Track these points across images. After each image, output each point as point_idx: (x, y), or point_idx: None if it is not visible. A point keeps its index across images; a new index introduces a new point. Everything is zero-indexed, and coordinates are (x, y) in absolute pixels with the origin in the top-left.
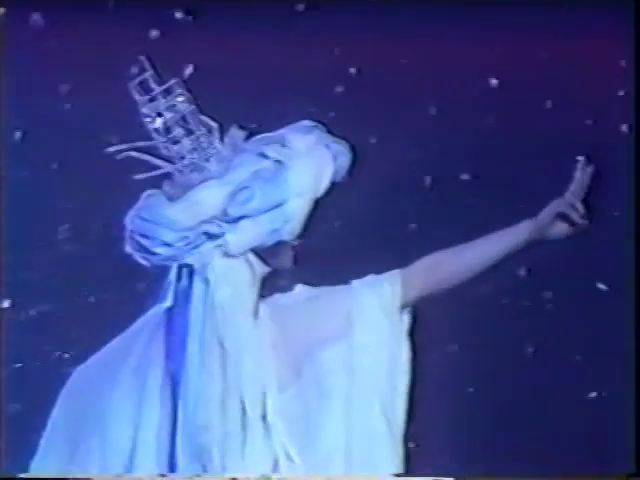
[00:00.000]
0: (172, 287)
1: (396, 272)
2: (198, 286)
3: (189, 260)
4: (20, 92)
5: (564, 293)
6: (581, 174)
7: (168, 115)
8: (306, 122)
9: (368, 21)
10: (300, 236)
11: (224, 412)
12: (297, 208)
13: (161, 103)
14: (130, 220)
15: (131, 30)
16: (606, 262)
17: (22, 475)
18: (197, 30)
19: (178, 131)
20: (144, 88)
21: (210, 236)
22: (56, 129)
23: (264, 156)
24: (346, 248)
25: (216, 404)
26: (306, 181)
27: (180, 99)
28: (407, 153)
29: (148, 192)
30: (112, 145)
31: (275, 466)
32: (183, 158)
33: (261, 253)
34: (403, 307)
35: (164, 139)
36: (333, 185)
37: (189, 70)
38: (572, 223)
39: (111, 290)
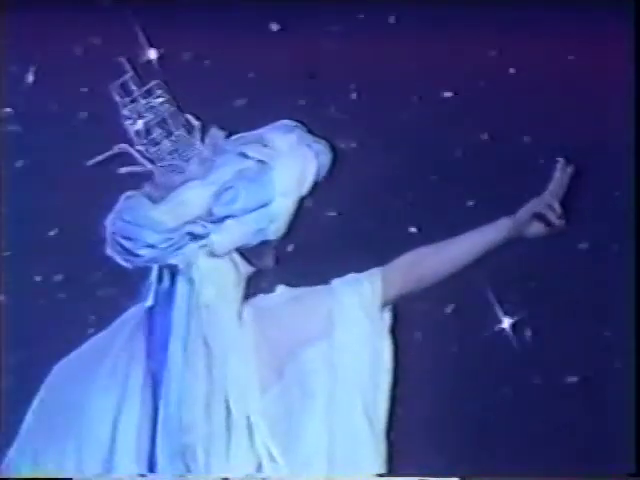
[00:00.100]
0: (153, 288)
1: (376, 270)
2: (182, 286)
3: (173, 261)
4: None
5: (556, 287)
6: (560, 174)
7: (148, 116)
8: (285, 121)
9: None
10: (282, 236)
11: (209, 412)
12: (282, 208)
13: (141, 105)
14: (111, 222)
15: (113, 31)
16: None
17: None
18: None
19: (158, 132)
20: (124, 90)
21: (194, 237)
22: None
23: (245, 156)
24: (327, 247)
25: (201, 404)
26: (291, 180)
27: (160, 100)
28: (387, 154)
29: (127, 194)
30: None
31: (259, 467)
32: (163, 159)
33: (244, 253)
34: (384, 305)
35: (145, 140)
36: (313, 185)
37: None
38: (548, 223)
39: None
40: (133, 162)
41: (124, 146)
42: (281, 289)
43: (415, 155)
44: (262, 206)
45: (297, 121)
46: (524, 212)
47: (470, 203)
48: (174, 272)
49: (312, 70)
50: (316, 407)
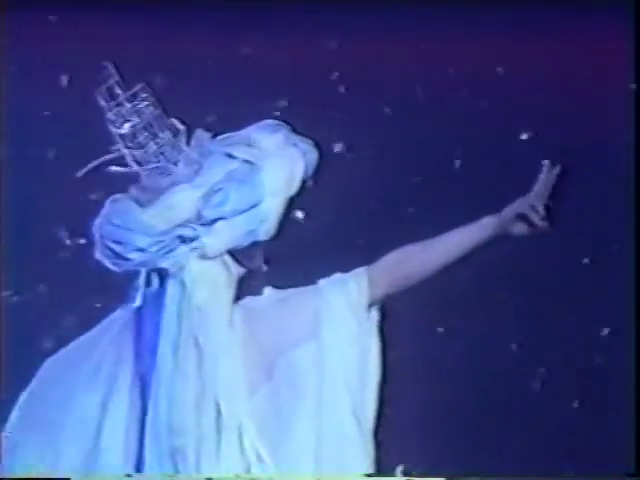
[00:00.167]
0: (141, 290)
1: (362, 270)
2: (173, 289)
3: (163, 264)
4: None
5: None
6: (546, 176)
7: (134, 120)
8: (270, 121)
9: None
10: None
11: (199, 414)
12: (272, 208)
13: (126, 108)
14: (99, 226)
15: (96, 35)
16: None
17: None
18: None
19: (144, 136)
20: (110, 94)
21: (185, 239)
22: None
23: (232, 157)
24: (314, 248)
25: (191, 406)
26: (279, 180)
27: (145, 103)
28: (374, 155)
29: (113, 197)
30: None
31: (249, 467)
32: (150, 162)
33: (234, 254)
34: (371, 304)
35: (131, 144)
36: (301, 186)
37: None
38: (531, 224)
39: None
40: (121, 165)
41: (120, 148)
42: (269, 291)
43: (403, 156)
44: (252, 207)
45: (283, 121)
46: (509, 211)
47: (459, 204)
48: (162, 275)
49: (300, 71)
50: (305, 407)
